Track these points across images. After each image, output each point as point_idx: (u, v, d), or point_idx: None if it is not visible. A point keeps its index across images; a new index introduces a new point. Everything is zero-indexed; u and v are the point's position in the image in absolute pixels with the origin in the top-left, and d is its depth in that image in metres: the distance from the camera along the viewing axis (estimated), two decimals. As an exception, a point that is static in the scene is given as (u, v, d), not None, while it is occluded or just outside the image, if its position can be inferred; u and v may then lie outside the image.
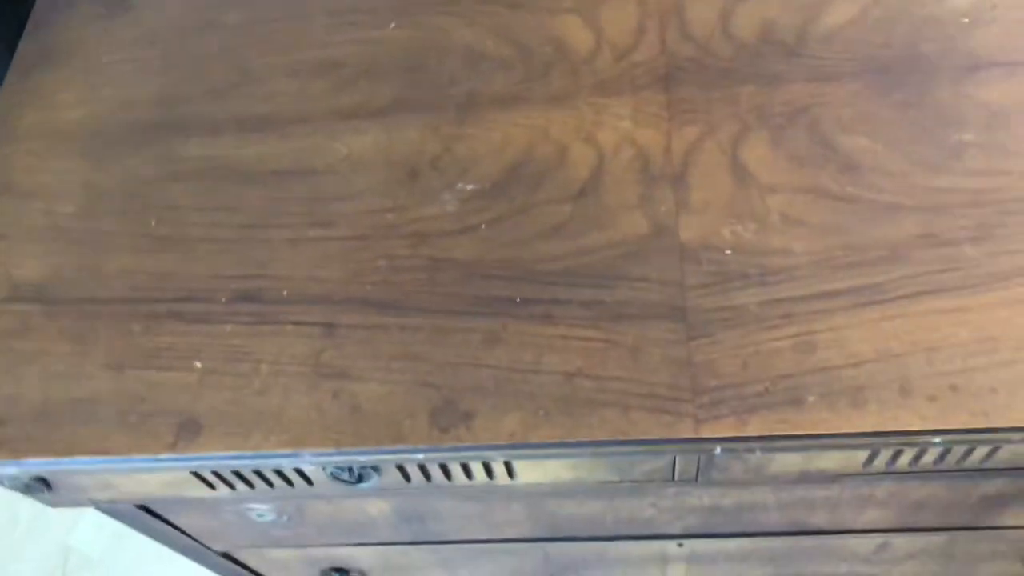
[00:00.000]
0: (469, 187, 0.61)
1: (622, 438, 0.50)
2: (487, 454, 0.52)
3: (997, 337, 0.51)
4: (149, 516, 0.74)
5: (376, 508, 0.74)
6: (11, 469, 0.55)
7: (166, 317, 0.59)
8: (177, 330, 0.58)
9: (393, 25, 0.71)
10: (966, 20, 0.63)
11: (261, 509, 0.75)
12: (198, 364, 0.56)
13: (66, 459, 0.54)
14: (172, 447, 0.54)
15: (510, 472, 0.60)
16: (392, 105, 0.66)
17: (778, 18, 0.66)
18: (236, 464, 0.54)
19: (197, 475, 0.58)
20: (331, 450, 0.52)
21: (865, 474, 0.60)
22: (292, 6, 0.73)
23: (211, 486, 0.63)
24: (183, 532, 0.75)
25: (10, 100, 0.72)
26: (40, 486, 0.63)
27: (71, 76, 0.72)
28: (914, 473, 0.60)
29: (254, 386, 0.55)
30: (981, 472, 0.60)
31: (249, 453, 0.53)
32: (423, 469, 0.57)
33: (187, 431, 0.54)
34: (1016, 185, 0.56)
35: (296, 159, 0.65)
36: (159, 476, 0.59)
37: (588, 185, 0.60)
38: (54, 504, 0.66)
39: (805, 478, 0.62)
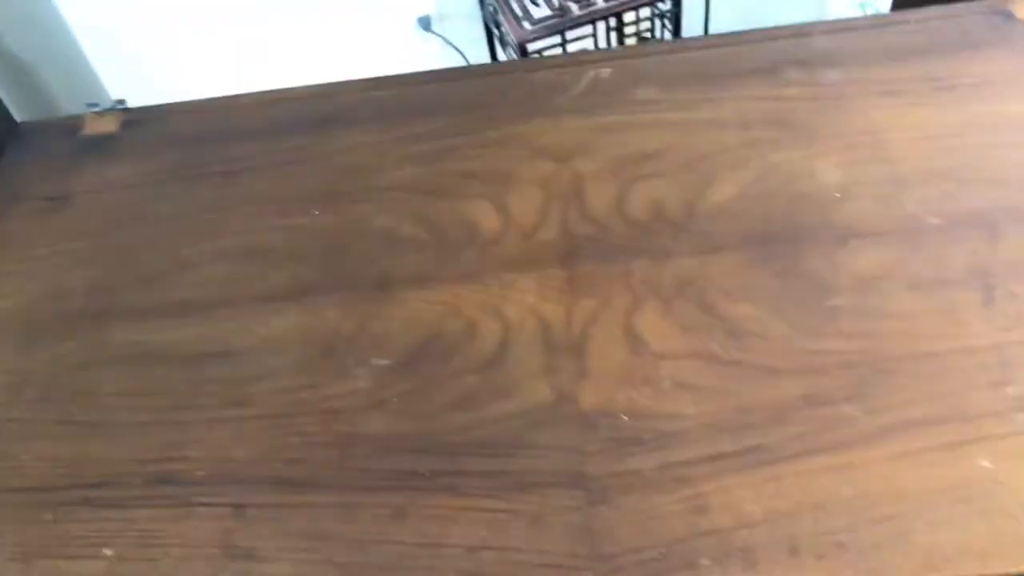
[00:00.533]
0: (382, 363, 0.64)
1: (524, 610, 0.51)
2: (391, 633, 0.52)
3: (878, 493, 0.53)
4: None
5: None
6: (-94, 671, 0.54)
7: (79, 504, 0.59)
8: (89, 517, 0.59)
9: (316, 212, 0.76)
10: (837, 195, 0.70)
11: None
12: (108, 551, 0.57)
13: (-36, 658, 0.53)
14: (74, 640, 0.53)
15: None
16: (312, 287, 0.70)
17: (668, 198, 0.72)
18: (139, 655, 0.53)
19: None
20: (235, 636, 0.52)
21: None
22: (223, 198, 0.78)
23: None
24: None
25: (-54, 292, 0.75)
26: None
27: (4, 268, 0.76)
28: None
29: (162, 571, 0.55)
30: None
31: (152, 643, 0.53)
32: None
33: (90, 622, 0.53)
34: (886, 346, 0.60)
35: (217, 341, 0.67)
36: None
37: (495, 357, 0.63)
38: None
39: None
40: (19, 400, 0.66)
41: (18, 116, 0.91)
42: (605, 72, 0.83)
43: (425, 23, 1.89)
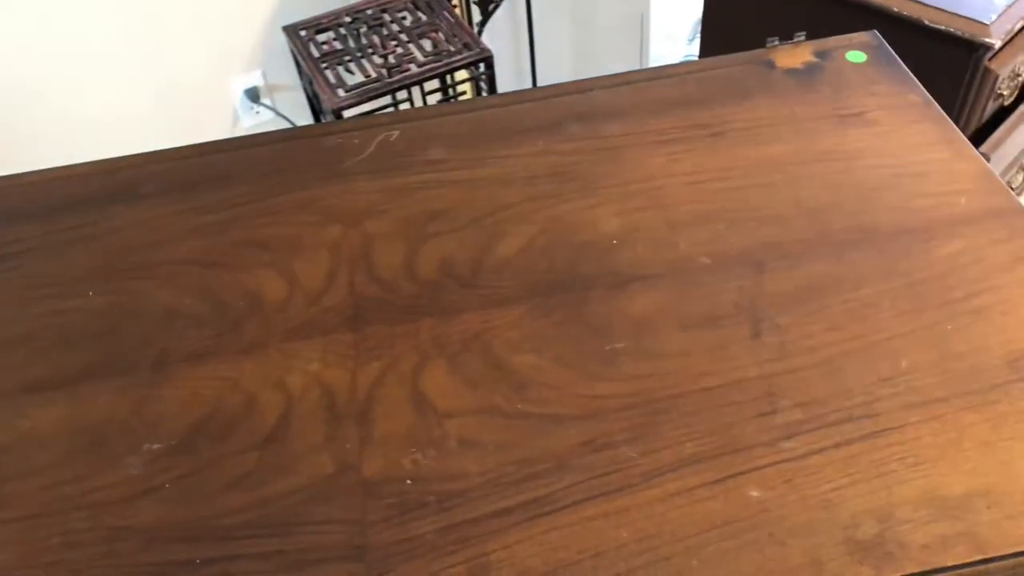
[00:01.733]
0: (155, 447, 0.61)
1: None
2: None
3: (655, 534, 0.54)
4: None
5: None
6: None
7: None
8: None
9: (91, 293, 0.72)
10: (615, 242, 0.72)
11: None
12: None
13: None
14: None
15: None
16: (82, 373, 0.66)
17: (455, 255, 0.72)
18: None
19: None
20: None
21: None
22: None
23: None
24: None
25: None
26: None
27: None
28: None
29: None
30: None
31: None
32: None
33: None
34: (662, 385, 0.62)
35: (-27, 441, 0.62)
36: None
37: (275, 431, 0.61)
38: None
39: None
40: None
41: None
42: (394, 134, 0.84)
43: (253, 95, 1.86)
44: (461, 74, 1.44)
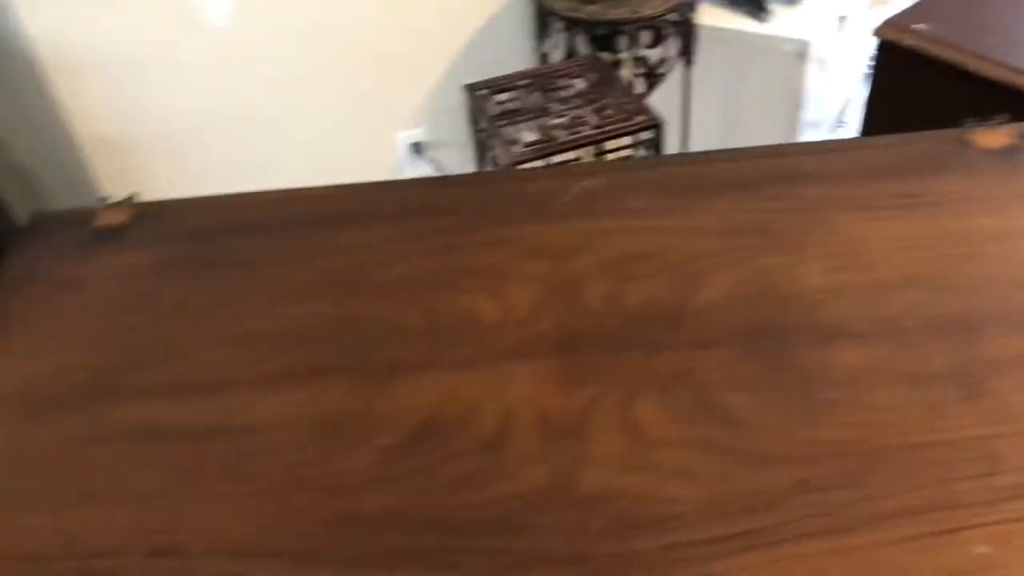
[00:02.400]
0: (384, 442, 0.65)
1: None
2: None
3: (876, 575, 0.54)
4: None
5: None
6: None
7: (77, 575, 0.58)
8: (84, 590, 0.57)
9: (320, 303, 0.78)
10: (820, 297, 0.74)
11: None
12: (98, 625, 0.55)
13: None
14: None
15: None
16: (316, 370, 0.72)
17: (659, 296, 0.75)
18: None
19: None
20: None
21: None
22: (228, 287, 0.81)
23: None
24: None
25: (-52, 367, 0.75)
26: None
27: (12, 345, 0.77)
28: None
29: (154, 647, 0.54)
30: None
31: None
32: None
33: None
34: (876, 436, 0.62)
35: (220, 419, 0.68)
36: None
37: (494, 440, 0.65)
38: None
39: None
40: (20, 471, 0.66)
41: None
42: (594, 183, 0.89)
43: (416, 148, 1.98)
44: (623, 140, 1.50)
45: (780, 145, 0.91)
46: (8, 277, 0.85)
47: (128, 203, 0.92)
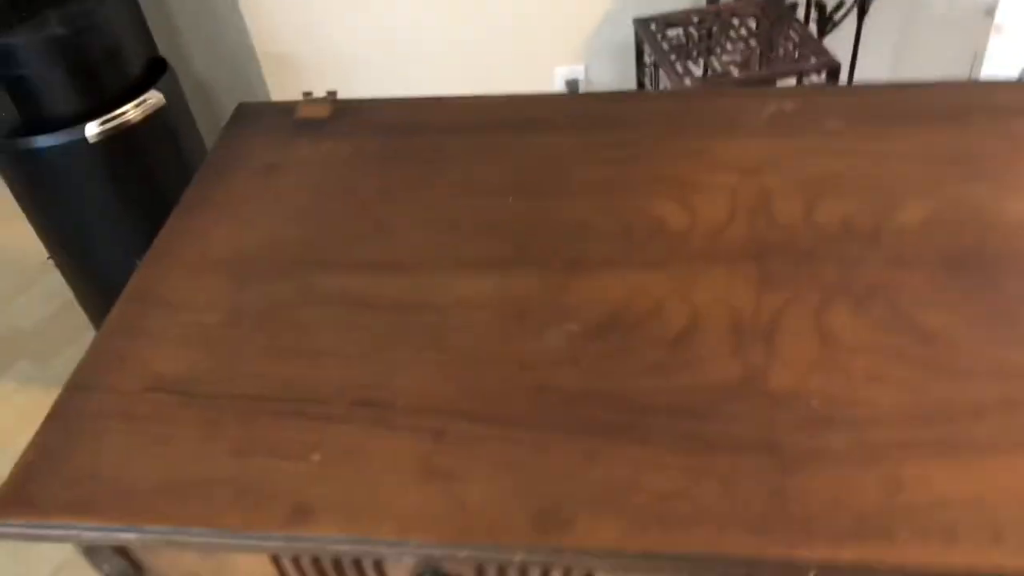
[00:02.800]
0: (573, 328, 0.68)
1: (719, 552, 0.52)
2: (586, 560, 0.54)
3: (1083, 493, 0.53)
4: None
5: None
6: (131, 535, 0.58)
7: (289, 415, 0.64)
8: (298, 426, 0.63)
9: (511, 200, 0.81)
10: (1027, 227, 0.71)
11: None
12: (315, 457, 0.61)
13: (180, 528, 0.57)
14: (283, 526, 0.56)
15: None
16: (506, 259, 0.75)
17: (856, 215, 0.74)
18: (341, 549, 0.57)
19: (289, 570, 0.60)
20: (435, 542, 0.55)
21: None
22: (424, 179, 0.85)
23: (294, 596, 0.64)
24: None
25: (172, 233, 0.83)
26: (132, 575, 0.66)
27: (224, 218, 0.83)
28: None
29: (365, 479, 0.59)
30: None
31: (355, 537, 0.56)
32: (520, 573, 0.58)
33: (298, 514, 0.57)
34: (1087, 363, 0.60)
35: (418, 295, 0.72)
36: (253, 567, 0.62)
37: (683, 334, 0.66)
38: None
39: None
40: (236, 326, 0.72)
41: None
42: (789, 104, 0.88)
43: (573, 86, 1.99)
44: (789, 81, 1.45)
45: (986, 81, 0.87)
46: (215, 161, 0.92)
47: (329, 99, 0.97)
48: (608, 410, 0.62)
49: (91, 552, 0.66)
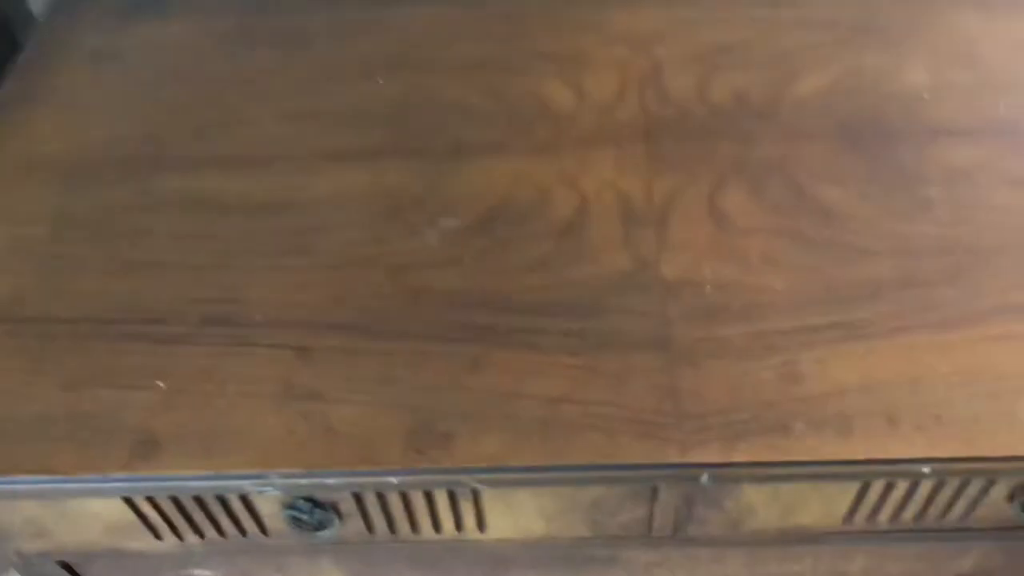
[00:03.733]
0: (451, 223, 0.62)
1: (607, 462, 0.49)
2: (464, 478, 0.49)
3: (978, 371, 0.51)
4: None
5: (330, 577, 0.69)
6: (-55, 486, 0.51)
7: (130, 337, 0.56)
8: (140, 350, 0.55)
9: (381, 82, 0.73)
10: (926, 96, 0.67)
11: (205, 576, 0.69)
12: (161, 384, 0.54)
13: (5, 478, 0.50)
14: (125, 466, 0.50)
15: (480, 523, 0.57)
16: (377, 149, 0.67)
17: (751, 87, 0.69)
18: (196, 486, 0.51)
19: (145, 510, 0.54)
20: (300, 471, 0.49)
21: (845, 532, 0.58)
22: (279, 61, 0.75)
23: (157, 534, 0.58)
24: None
25: (-14, 134, 0.71)
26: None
27: (51, 114, 0.72)
28: (894, 534, 0.58)
29: (219, 406, 0.52)
30: (960, 534, 0.58)
31: (209, 474, 0.50)
32: (401, 497, 0.54)
33: (143, 449, 0.50)
34: (982, 234, 0.58)
35: (276, 194, 0.64)
36: (103, 513, 0.55)
37: (571, 224, 0.61)
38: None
39: (783, 538, 0.60)
40: (66, 238, 0.63)
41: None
42: (681, -31, 0.81)
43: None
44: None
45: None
46: (39, 48, 0.79)
47: (168, -28, 0.84)
48: (491, 313, 0.56)
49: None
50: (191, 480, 0.50)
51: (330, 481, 0.49)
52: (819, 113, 0.67)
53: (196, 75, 0.74)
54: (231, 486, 0.50)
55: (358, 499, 0.55)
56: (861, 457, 0.48)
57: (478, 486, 0.50)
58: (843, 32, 0.73)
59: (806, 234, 0.59)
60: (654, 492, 0.54)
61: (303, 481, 0.50)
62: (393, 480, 0.49)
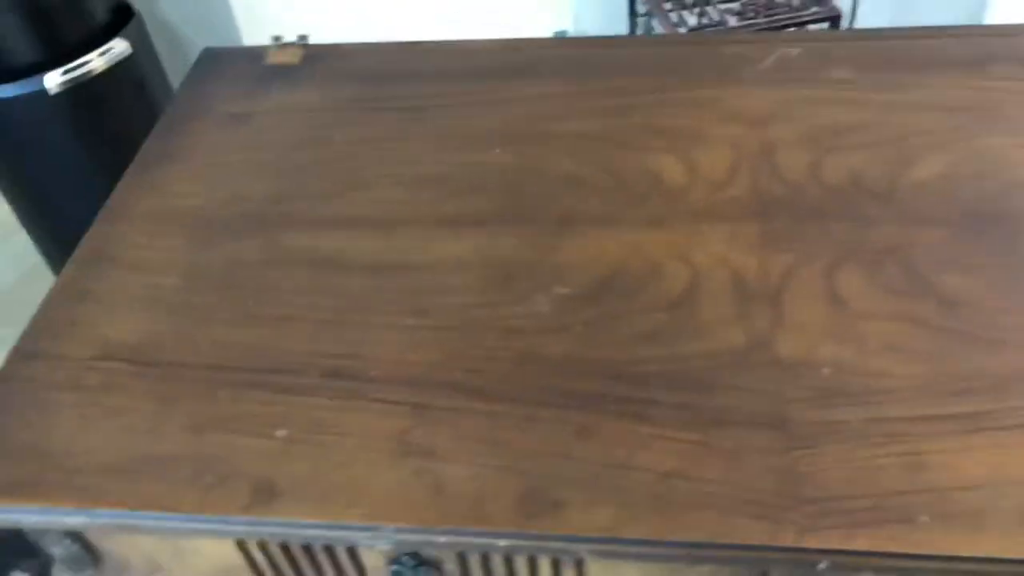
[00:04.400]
0: (563, 291, 0.62)
1: (721, 541, 0.48)
2: (577, 547, 0.49)
3: (1118, 473, 0.49)
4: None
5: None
6: (80, 519, 0.53)
7: (253, 386, 0.58)
8: (263, 399, 0.58)
9: (497, 151, 0.75)
10: (1051, 184, 0.66)
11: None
12: (281, 432, 0.55)
13: (137, 511, 0.52)
14: (246, 509, 0.51)
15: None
16: (491, 216, 0.69)
17: (866, 169, 0.69)
18: (309, 534, 0.52)
19: (255, 555, 0.55)
20: (412, 526, 0.50)
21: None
22: (401, 131, 0.78)
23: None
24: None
25: (128, 188, 0.76)
26: (86, 560, 0.61)
27: (186, 172, 0.77)
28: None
29: (335, 458, 0.54)
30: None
31: (325, 522, 0.51)
32: (505, 562, 0.53)
33: (263, 495, 0.52)
34: (1121, 330, 0.56)
35: (395, 256, 0.67)
36: (214, 555, 0.57)
37: (683, 298, 0.61)
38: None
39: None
40: (195, 289, 0.66)
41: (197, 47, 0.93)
42: (794, 51, 0.82)
43: (562, 35, 1.91)
44: (795, 32, 1.39)
45: (1003, 26, 0.81)
46: (177, 111, 0.85)
47: (300, 43, 0.90)
48: (601, 381, 0.56)
49: (40, 534, 0.60)
50: (306, 528, 0.51)
51: (440, 539, 0.50)
52: (939, 197, 0.66)
53: (322, 140, 0.78)
54: (344, 537, 0.51)
55: (462, 560, 0.55)
56: (996, 555, 0.46)
57: (587, 556, 0.49)
58: (963, 115, 0.72)
59: (927, 321, 0.58)
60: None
61: (413, 537, 0.50)
62: (502, 543, 0.49)
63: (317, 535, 0.52)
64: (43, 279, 2.00)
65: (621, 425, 0.54)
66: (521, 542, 0.49)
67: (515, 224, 0.68)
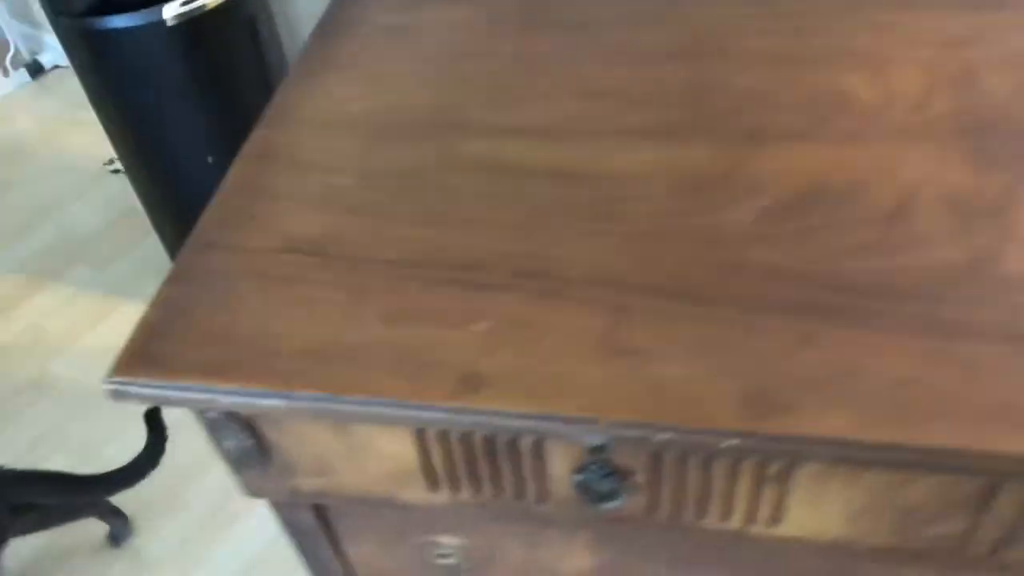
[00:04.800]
0: (761, 203, 0.60)
1: (968, 446, 0.45)
2: (815, 450, 0.46)
3: None
4: (322, 537, 0.69)
5: (576, 565, 0.67)
6: (278, 401, 0.52)
7: (443, 283, 0.57)
8: (455, 294, 0.56)
9: (672, 67, 0.72)
10: None
11: (448, 547, 0.68)
12: (481, 326, 0.53)
13: (340, 395, 0.51)
14: (453, 396, 0.50)
15: (776, 516, 0.54)
16: (674, 128, 0.66)
17: (1081, 92, 0.65)
18: (519, 425, 0.50)
19: (435, 456, 0.54)
20: (633, 419, 0.47)
21: None
22: (564, 45, 0.76)
23: (435, 484, 0.58)
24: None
25: (291, 93, 0.75)
26: (256, 456, 0.60)
27: (352, 78, 0.75)
28: None
29: (538, 352, 0.51)
30: None
31: (538, 414, 0.49)
32: (702, 470, 0.51)
33: (469, 384, 0.50)
34: None
35: (578, 165, 0.64)
36: (391, 456, 0.55)
37: (894, 213, 0.58)
38: (249, 488, 0.62)
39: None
40: (373, 188, 0.65)
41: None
42: (983, -21, 0.77)
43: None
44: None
45: None
46: (334, 22, 0.83)
47: (453, -39, 0.88)
48: (817, 291, 0.53)
49: (214, 425, 0.59)
50: (516, 419, 0.49)
51: (663, 436, 0.48)
52: None
53: (485, 53, 0.76)
54: (555, 429, 0.49)
55: (655, 468, 0.53)
56: None
57: (822, 461, 0.47)
58: None
59: None
60: (990, 496, 0.49)
61: (632, 432, 0.48)
62: (731, 442, 0.47)
63: (527, 426, 0.50)
64: (133, 225, 2.03)
65: (846, 333, 0.51)
66: (752, 443, 0.47)
67: (701, 136, 0.66)
